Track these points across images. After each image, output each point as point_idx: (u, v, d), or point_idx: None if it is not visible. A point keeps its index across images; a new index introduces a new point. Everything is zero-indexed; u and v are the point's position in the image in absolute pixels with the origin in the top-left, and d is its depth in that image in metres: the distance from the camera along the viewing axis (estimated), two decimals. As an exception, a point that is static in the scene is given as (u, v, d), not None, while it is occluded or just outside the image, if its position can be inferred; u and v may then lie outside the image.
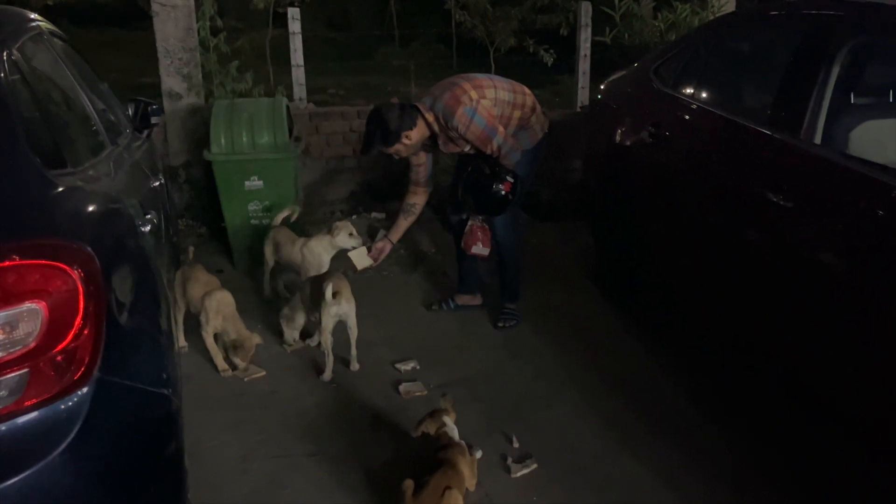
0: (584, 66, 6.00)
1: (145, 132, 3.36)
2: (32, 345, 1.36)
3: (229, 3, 8.11)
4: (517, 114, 3.55)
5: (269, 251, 4.05)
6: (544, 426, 2.93)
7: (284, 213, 4.13)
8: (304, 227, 4.64)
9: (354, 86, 8.87)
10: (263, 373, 3.34)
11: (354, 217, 5.34)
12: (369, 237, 4.98)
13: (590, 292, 4.20)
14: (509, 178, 3.42)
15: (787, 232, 2.51)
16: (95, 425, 1.40)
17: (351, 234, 3.77)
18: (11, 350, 1.36)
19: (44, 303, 1.38)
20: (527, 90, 3.64)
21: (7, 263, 1.36)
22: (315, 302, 3.34)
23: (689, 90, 3.45)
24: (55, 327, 1.38)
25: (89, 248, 1.48)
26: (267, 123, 4.24)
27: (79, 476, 1.40)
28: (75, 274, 1.41)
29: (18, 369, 1.35)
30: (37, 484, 1.33)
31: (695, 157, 3.21)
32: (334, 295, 3.22)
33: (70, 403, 1.38)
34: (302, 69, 5.41)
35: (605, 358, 3.45)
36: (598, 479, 2.61)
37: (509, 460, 2.71)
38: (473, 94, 3.38)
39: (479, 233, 3.65)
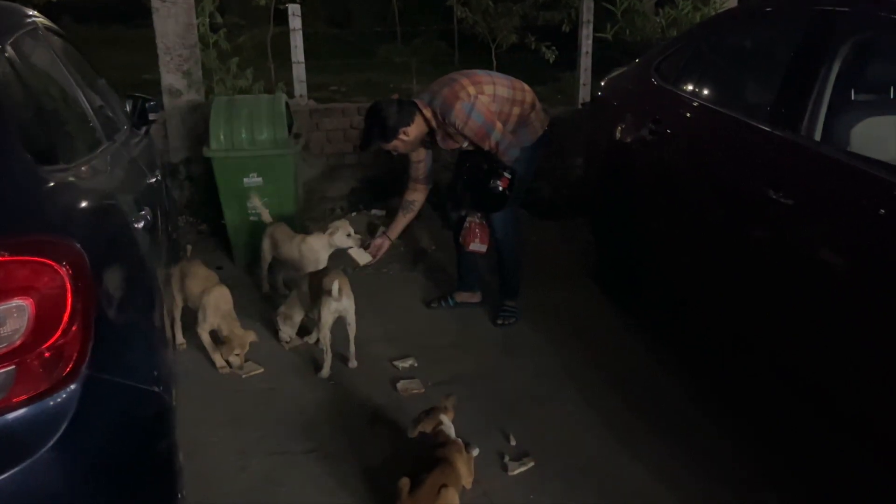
0: (585, 62, 5.98)
1: (143, 128, 3.35)
2: (19, 342, 1.35)
3: (231, 0, 8.10)
4: (516, 110, 3.54)
5: (266, 247, 4.05)
6: (542, 424, 2.92)
7: (257, 202, 4.13)
8: (303, 224, 4.64)
9: (356, 83, 8.87)
10: (261, 370, 3.33)
11: (354, 214, 5.33)
12: (369, 234, 4.99)
13: (590, 290, 4.19)
14: (507, 174, 3.40)
15: (787, 229, 2.49)
16: (84, 422, 1.39)
17: (349, 235, 3.76)
18: None
19: (31, 300, 1.36)
20: (526, 87, 3.63)
21: None
22: (314, 298, 3.33)
23: (690, 87, 3.43)
24: (43, 324, 1.37)
25: (78, 245, 1.47)
26: (266, 120, 4.24)
27: (68, 473, 1.39)
28: (63, 271, 1.40)
29: (5, 366, 1.34)
30: (25, 481, 1.32)
31: (695, 154, 3.19)
32: (332, 292, 3.21)
33: (58, 400, 1.37)
34: (302, 66, 5.40)
35: (604, 356, 3.44)
36: (596, 478, 2.60)
37: (507, 458, 2.69)
38: (471, 90, 3.37)
39: (476, 229, 3.63)
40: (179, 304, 3.42)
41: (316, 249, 3.79)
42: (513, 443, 2.80)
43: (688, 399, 3.08)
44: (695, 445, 2.75)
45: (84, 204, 1.76)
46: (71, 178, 1.80)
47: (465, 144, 3.56)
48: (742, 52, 3.50)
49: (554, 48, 6.33)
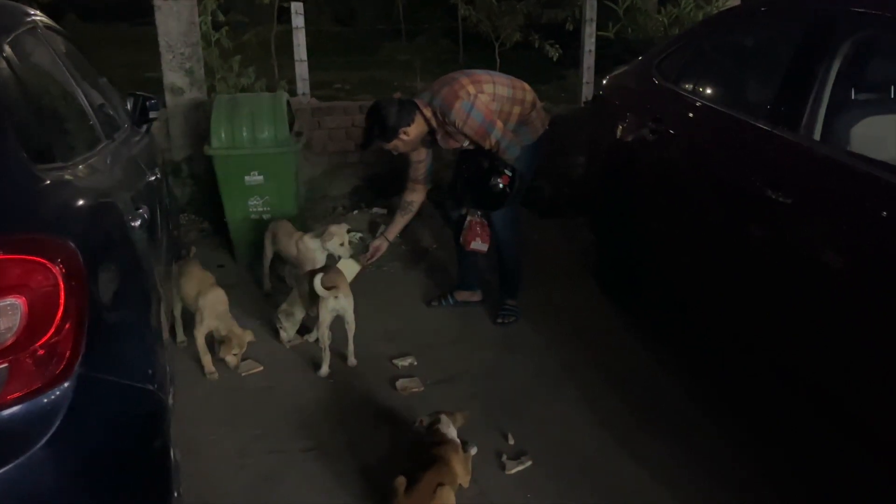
0: (588, 61, 5.97)
1: (144, 127, 3.36)
2: (12, 340, 1.36)
3: (236, -2, 8.12)
4: (517, 109, 3.54)
5: (268, 242, 4.06)
6: (541, 423, 2.92)
7: None
8: (305, 222, 4.64)
9: (360, 81, 8.88)
10: (261, 367, 3.34)
11: (356, 212, 5.33)
12: (370, 232, 5.00)
13: (591, 290, 4.18)
14: (507, 172, 3.40)
15: (786, 229, 2.48)
16: (77, 420, 1.40)
17: (342, 244, 3.73)
18: None
19: (24, 298, 1.37)
20: (527, 86, 3.63)
21: None
22: (313, 297, 3.33)
23: (691, 86, 3.42)
24: (35, 322, 1.38)
25: (72, 244, 1.47)
26: (267, 118, 4.24)
27: (61, 470, 1.39)
28: (56, 269, 1.41)
29: None
30: (18, 478, 1.33)
31: (695, 153, 3.18)
32: (330, 288, 3.21)
33: (51, 398, 1.38)
34: (305, 64, 5.40)
35: (604, 356, 3.43)
36: (594, 478, 2.60)
37: (504, 457, 2.69)
38: (471, 89, 3.37)
39: (477, 228, 3.63)
40: (179, 302, 3.43)
41: (312, 249, 3.80)
42: (511, 442, 2.79)
43: (687, 399, 3.07)
44: (694, 445, 2.74)
45: (79, 202, 1.76)
46: (67, 177, 1.80)
47: (466, 143, 3.56)
48: (743, 50, 3.49)
49: (557, 46, 6.32)
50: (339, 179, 5.49)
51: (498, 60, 6.58)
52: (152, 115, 3.30)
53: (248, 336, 3.31)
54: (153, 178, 2.95)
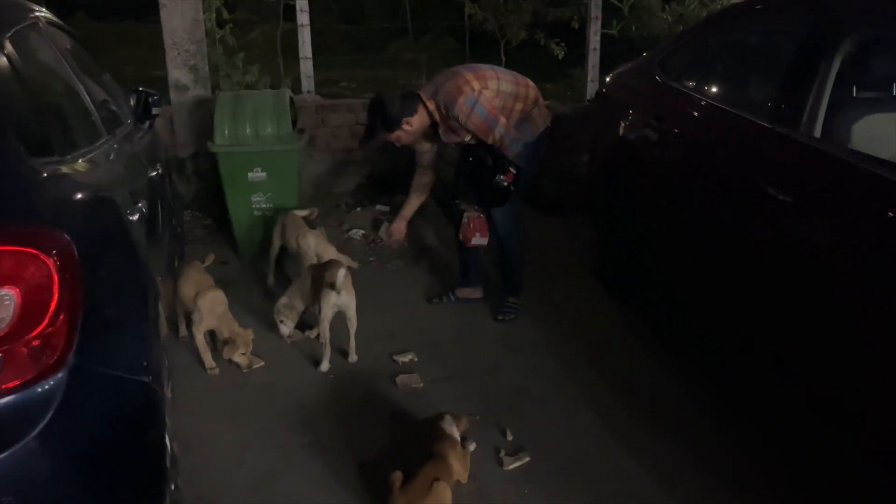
0: (593, 59, 5.97)
1: (147, 123, 3.38)
2: (6, 330, 1.37)
3: (244, -4, 8.17)
4: (519, 106, 3.54)
5: (276, 234, 4.08)
6: (540, 420, 2.92)
7: (304, 213, 4.22)
8: (307, 218, 4.66)
9: (366, 79, 8.90)
10: (262, 363, 3.35)
11: (359, 209, 5.34)
12: (374, 229, 5.01)
13: (592, 288, 4.17)
14: (512, 170, 3.41)
15: (786, 227, 2.47)
16: (71, 410, 1.41)
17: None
18: None
19: (17, 289, 1.38)
20: (530, 83, 3.63)
21: None
22: (315, 292, 3.33)
23: (693, 83, 3.42)
24: (29, 313, 1.39)
25: (67, 236, 1.49)
26: (270, 115, 4.26)
27: (54, 460, 1.40)
28: (50, 261, 1.42)
29: None
30: (11, 467, 1.34)
31: (695, 150, 3.17)
32: (332, 285, 3.22)
33: (44, 388, 1.39)
34: (310, 61, 5.42)
35: (604, 354, 3.43)
36: (591, 475, 2.59)
37: (502, 453, 2.69)
38: (476, 85, 3.37)
39: (476, 223, 3.64)
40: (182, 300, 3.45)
41: (312, 246, 3.81)
42: (509, 438, 2.80)
43: (687, 398, 3.06)
44: (693, 444, 2.74)
45: (75, 195, 1.77)
46: (64, 170, 1.82)
47: (468, 138, 3.56)
48: (744, 48, 3.48)
49: (563, 45, 6.30)
50: (342, 176, 5.51)
51: (503, 59, 6.57)
52: (155, 111, 3.32)
53: (250, 335, 3.32)
54: (154, 173, 2.97)
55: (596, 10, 5.89)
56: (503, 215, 3.67)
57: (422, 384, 3.18)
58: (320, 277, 3.29)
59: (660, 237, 3.46)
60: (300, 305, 3.51)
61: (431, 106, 3.43)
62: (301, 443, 2.79)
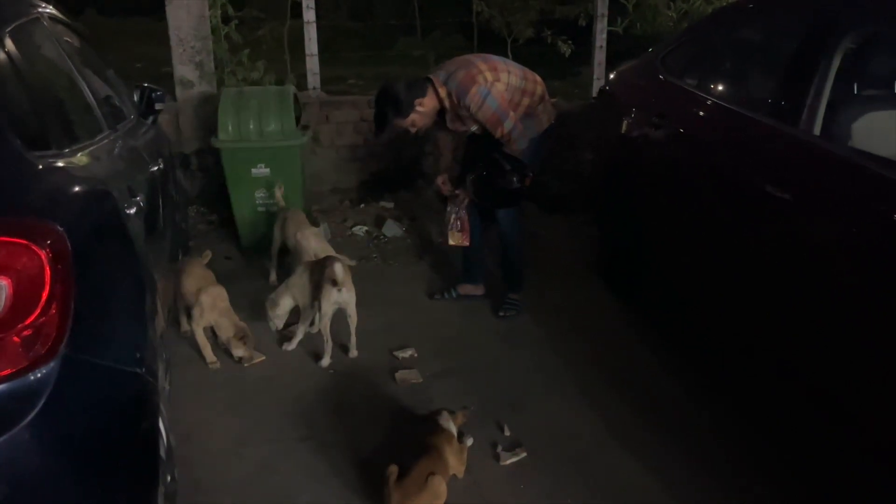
0: (599, 56, 5.96)
1: (151, 118, 3.41)
2: None
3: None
4: (526, 101, 3.54)
5: (277, 229, 4.10)
6: (537, 417, 2.92)
7: (279, 193, 4.24)
8: (311, 214, 4.68)
9: (374, 76, 8.91)
10: (263, 357, 3.37)
11: (363, 205, 5.36)
12: (377, 226, 5.03)
13: (594, 286, 4.17)
14: (529, 174, 3.44)
15: (785, 224, 2.46)
16: (62, 400, 1.42)
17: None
18: None
19: (9, 279, 1.40)
20: (538, 78, 3.63)
21: None
22: (315, 288, 3.34)
23: (694, 80, 3.41)
24: (20, 304, 1.41)
25: (60, 228, 1.50)
26: (274, 111, 4.28)
27: (44, 449, 1.42)
28: (43, 253, 1.44)
29: None
30: (2, 455, 1.36)
31: (697, 148, 3.16)
32: (334, 282, 3.23)
33: (36, 378, 1.40)
34: (316, 58, 5.44)
35: (604, 351, 3.43)
36: (587, 471, 2.59)
37: (499, 448, 2.70)
38: (489, 76, 3.38)
39: (459, 223, 3.67)
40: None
41: (312, 243, 3.82)
42: (507, 434, 2.80)
43: (686, 396, 3.06)
44: (691, 443, 2.73)
45: (71, 189, 1.79)
46: (61, 164, 1.84)
47: (475, 128, 3.56)
48: (745, 45, 3.46)
49: (570, 42, 6.29)
50: (346, 173, 5.52)
51: (510, 56, 6.56)
52: (158, 106, 3.35)
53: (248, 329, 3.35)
54: (155, 168, 2.99)
55: (602, 8, 5.87)
56: (507, 213, 3.68)
57: (421, 380, 3.19)
58: (319, 274, 3.30)
59: (660, 235, 3.46)
60: (287, 304, 3.43)
61: (443, 92, 3.42)
62: (299, 436, 2.80)
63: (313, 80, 5.46)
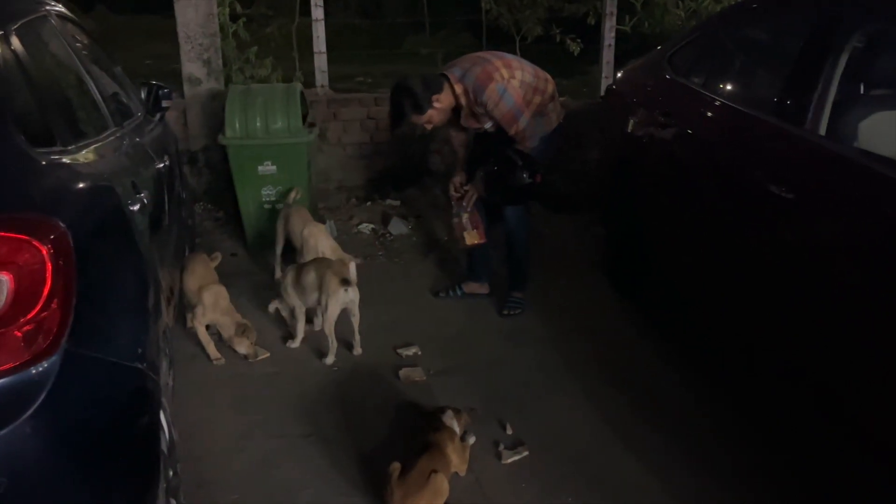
0: (607, 55, 5.94)
1: (158, 115, 3.42)
2: None
3: (261, -10, 8.21)
4: (537, 99, 3.54)
5: (280, 226, 4.11)
6: (540, 415, 2.93)
7: (292, 195, 4.25)
8: (317, 212, 4.69)
9: (382, 74, 8.91)
10: (267, 354, 3.38)
11: (370, 203, 5.37)
12: (383, 224, 5.04)
13: (599, 285, 4.16)
14: (540, 171, 3.44)
15: (790, 225, 2.45)
16: (62, 394, 1.44)
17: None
18: None
19: (10, 275, 1.41)
20: (549, 77, 3.63)
21: None
22: (318, 287, 3.32)
23: (701, 80, 3.39)
24: (22, 299, 1.42)
25: (62, 224, 1.52)
26: (281, 109, 4.29)
27: (45, 442, 1.43)
28: (44, 248, 1.45)
29: None
30: (3, 448, 1.37)
31: (701, 147, 3.15)
32: (345, 281, 3.23)
33: (37, 371, 1.42)
34: (324, 56, 5.45)
35: (607, 351, 3.43)
36: (589, 470, 2.60)
37: (501, 447, 2.71)
38: (505, 73, 3.38)
39: (472, 222, 3.66)
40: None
41: (320, 240, 3.83)
42: (509, 432, 2.80)
43: (689, 396, 3.05)
44: (693, 442, 2.73)
45: (74, 184, 1.81)
46: (65, 161, 1.86)
47: (488, 126, 3.56)
48: (751, 44, 3.44)
49: (579, 41, 6.28)
50: (353, 170, 5.53)
51: (518, 55, 6.54)
52: (165, 103, 3.36)
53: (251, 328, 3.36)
54: (161, 165, 3.00)
55: (611, 6, 5.85)
56: (514, 211, 3.68)
57: (424, 377, 3.20)
58: (323, 273, 3.30)
59: (666, 235, 3.45)
60: (294, 303, 3.44)
61: (459, 89, 3.42)
62: (302, 433, 2.82)
63: (321, 77, 5.47)
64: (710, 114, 3.21)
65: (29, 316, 1.42)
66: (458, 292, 4.00)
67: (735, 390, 3.06)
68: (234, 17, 5.29)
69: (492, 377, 3.20)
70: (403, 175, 5.46)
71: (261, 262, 4.48)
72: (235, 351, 3.35)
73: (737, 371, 3.13)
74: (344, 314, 3.35)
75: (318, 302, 3.34)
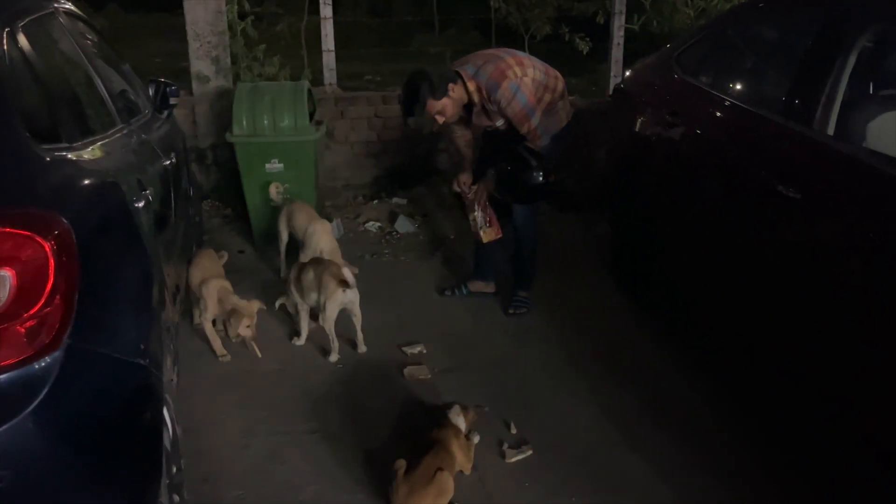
0: (616, 54, 5.93)
1: (165, 112, 3.44)
2: (1, 310, 1.41)
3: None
4: (547, 97, 3.54)
5: (282, 224, 4.11)
6: (544, 415, 2.92)
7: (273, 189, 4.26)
8: (324, 210, 4.70)
9: (391, 72, 8.91)
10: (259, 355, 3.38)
11: (376, 202, 5.37)
12: (389, 222, 5.04)
13: (605, 284, 4.15)
14: (552, 170, 3.44)
15: (795, 225, 2.44)
16: (65, 389, 1.44)
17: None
18: None
19: (13, 270, 1.42)
20: (559, 75, 3.62)
21: None
22: (317, 287, 3.32)
23: (709, 79, 3.38)
24: (24, 294, 1.43)
25: (65, 220, 1.52)
26: (288, 107, 4.30)
27: (48, 437, 1.44)
28: (47, 244, 1.46)
29: None
30: (5, 443, 1.38)
31: (708, 147, 3.13)
32: (343, 283, 3.24)
33: (40, 367, 1.43)
34: (332, 54, 5.46)
35: (612, 350, 3.42)
36: (592, 469, 2.59)
37: (505, 446, 2.71)
38: (518, 71, 3.37)
39: (487, 219, 3.65)
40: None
41: (319, 237, 3.83)
42: (513, 431, 2.80)
43: (694, 396, 3.04)
44: (697, 442, 2.72)
45: (79, 181, 1.82)
46: (70, 157, 1.86)
47: (500, 123, 3.55)
48: (759, 43, 3.43)
49: (588, 39, 6.26)
50: (360, 169, 5.54)
51: (527, 53, 6.53)
52: (172, 101, 3.38)
53: (256, 305, 3.33)
54: (168, 162, 3.02)
55: (620, 5, 5.84)
56: (523, 209, 3.67)
57: (429, 375, 3.20)
58: (321, 273, 3.30)
59: (672, 234, 3.43)
60: (297, 300, 3.46)
61: (472, 86, 3.40)
62: (306, 429, 2.82)
63: (329, 75, 5.48)
64: (717, 113, 3.19)
65: (31, 311, 1.43)
66: (464, 291, 4.00)
67: (740, 390, 3.05)
68: (242, 16, 5.30)
69: (496, 376, 3.20)
70: (410, 173, 5.46)
71: (268, 259, 4.49)
72: (246, 346, 3.35)
73: (742, 371, 3.11)
74: (345, 313, 3.35)
75: (317, 302, 3.35)
